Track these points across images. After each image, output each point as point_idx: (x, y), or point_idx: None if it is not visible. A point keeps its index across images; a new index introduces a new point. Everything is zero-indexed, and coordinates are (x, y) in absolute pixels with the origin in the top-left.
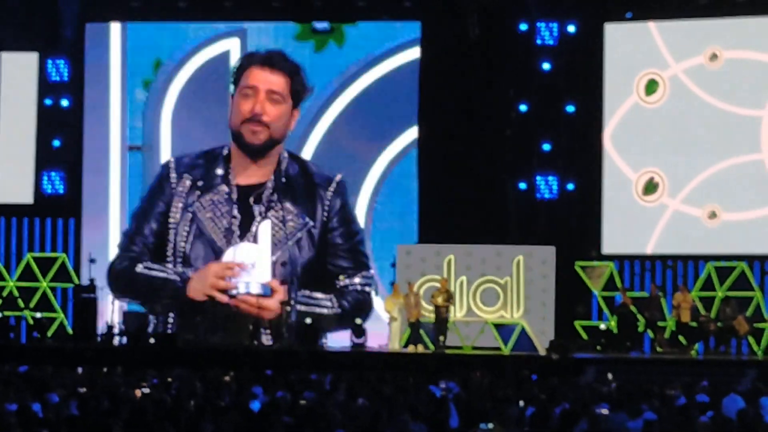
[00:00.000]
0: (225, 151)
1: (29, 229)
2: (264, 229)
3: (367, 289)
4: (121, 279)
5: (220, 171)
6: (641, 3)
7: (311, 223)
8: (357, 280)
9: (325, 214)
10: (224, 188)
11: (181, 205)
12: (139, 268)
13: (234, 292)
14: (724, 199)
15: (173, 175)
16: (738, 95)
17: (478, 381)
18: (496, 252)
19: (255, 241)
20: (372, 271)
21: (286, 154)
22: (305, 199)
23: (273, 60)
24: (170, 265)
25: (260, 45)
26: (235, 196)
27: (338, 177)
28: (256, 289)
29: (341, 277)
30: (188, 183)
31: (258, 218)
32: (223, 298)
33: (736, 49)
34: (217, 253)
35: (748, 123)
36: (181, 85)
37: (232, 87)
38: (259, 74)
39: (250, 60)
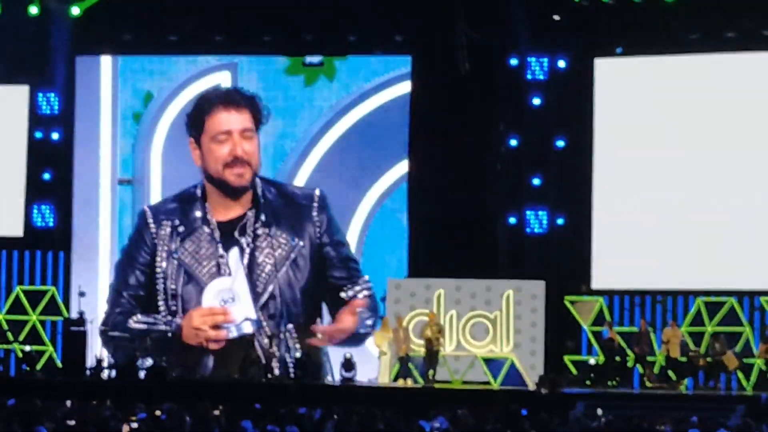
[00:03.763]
0: (198, 192)
1: (19, 262)
2: (233, 257)
3: (371, 293)
4: (116, 337)
5: (198, 213)
6: (631, 38)
7: (302, 244)
8: (358, 288)
9: (318, 231)
10: (205, 229)
11: (165, 253)
12: (131, 323)
13: (225, 335)
14: (716, 234)
15: (151, 223)
16: (729, 130)
17: (466, 416)
18: (485, 286)
19: (228, 272)
20: (366, 277)
21: (258, 180)
22: (291, 220)
23: (234, 99)
24: (161, 316)
25: (251, 79)
26: (217, 234)
27: (317, 191)
28: (248, 329)
29: (344, 289)
30: (168, 229)
31: (247, 250)
32: (216, 346)
33: (726, 85)
34: None
35: (739, 157)
36: (171, 119)
37: (191, 132)
38: (226, 117)
39: (209, 104)
